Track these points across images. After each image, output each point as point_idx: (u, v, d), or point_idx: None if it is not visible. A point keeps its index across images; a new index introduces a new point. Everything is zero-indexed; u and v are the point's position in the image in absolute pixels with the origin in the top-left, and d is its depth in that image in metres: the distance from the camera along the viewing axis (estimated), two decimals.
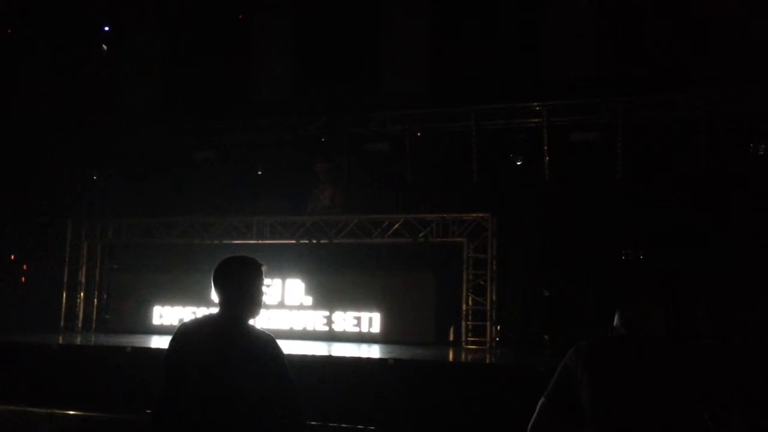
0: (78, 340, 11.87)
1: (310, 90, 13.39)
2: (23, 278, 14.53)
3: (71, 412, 6.41)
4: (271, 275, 12.69)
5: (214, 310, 3.16)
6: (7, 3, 13.40)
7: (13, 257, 14.55)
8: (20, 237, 13.93)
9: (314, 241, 12.95)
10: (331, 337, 12.42)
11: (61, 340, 11.33)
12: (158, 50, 14.05)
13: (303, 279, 12.83)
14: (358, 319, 12.51)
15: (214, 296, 3.14)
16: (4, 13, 13.61)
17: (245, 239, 13.08)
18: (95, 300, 14.12)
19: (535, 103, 12.23)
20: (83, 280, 14.00)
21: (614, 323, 3.03)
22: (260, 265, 3.14)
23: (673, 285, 10.56)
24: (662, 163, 11.37)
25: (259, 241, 13.00)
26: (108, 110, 13.60)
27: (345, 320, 12.57)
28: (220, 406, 2.84)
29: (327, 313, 12.66)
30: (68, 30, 13.75)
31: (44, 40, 13.75)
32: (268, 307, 12.76)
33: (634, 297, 3.12)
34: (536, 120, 12.29)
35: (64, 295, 13.85)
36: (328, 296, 12.72)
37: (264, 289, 3.16)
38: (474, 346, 11.77)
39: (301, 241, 13.00)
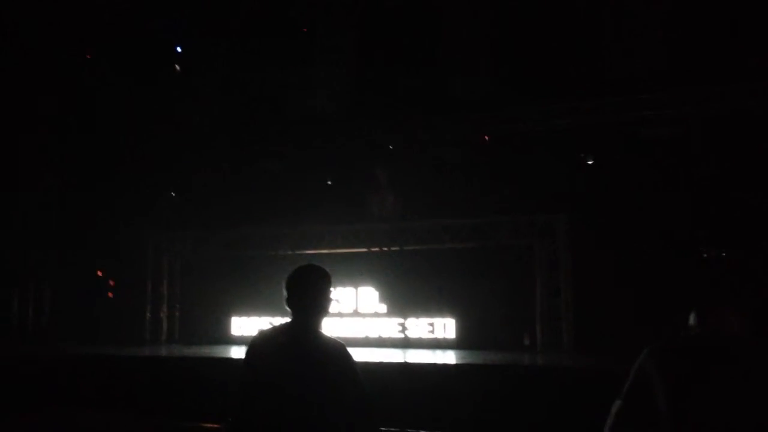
0: (162, 352, 12.29)
1: (374, 97, 13.47)
2: (110, 293, 15.14)
3: (156, 421, 6.66)
4: (345, 283, 12.84)
5: (289, 320, 3.23)
6: (84, 30, 14.01)
7: (100, 273, 15.19)
8: (105, 254, 14.52)
9: (385, 249, 13.01)
10: (407, 344, 12.45)
11: (146, 352, 11.74)
12: (222, 66, 14.40)
13: (376, 287, 12.92)
14: (432, 325, 12.50)
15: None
16: (83, 39, 14.25)
17: (318, 249, 13.26)
18: (177, 312, 14.59)
19: (604, 100, 11.96)
20: (165, 294, 14.49)
21: (689, 322, 2.95)
22: (329, 273, 3.20)
23: (756, 282, 10.12)
24: (740, 156, 10.93)
25: (332, 251, 13.16)
26: (181, 127, 14.03)
27: (419, 327, 12.59)
28: (295, 413, 2.90)
29: (401, 320, 12.70)
30: (142, 51, 14.27)
31: (120, 61, 14.31)
32: (342, 315, 12.90)
33: (712, 295, 3.02)
34: (606, 117, 12.02)
35: (148, 308, 14.36)
36: (401, 303, 12.76)
37: (332, 296, 3.21)
38: (551, 349, 11.59)
39: (373, 249, 13.08)
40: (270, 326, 3.23)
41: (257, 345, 3.14)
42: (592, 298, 11.97)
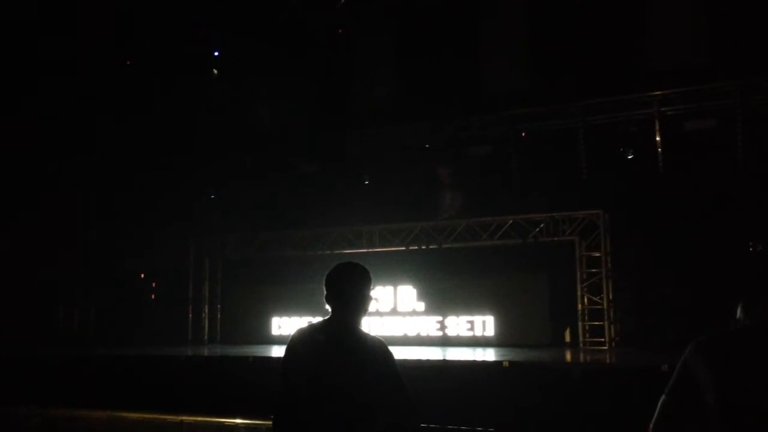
0: (205, 351, 12.45)
1: (411, 97, 13.46)
2: (153, 295, 15.41)
3: (200, 419, 6.75)
4: (383, 282, 12.85)
5: (327, 317, 3.23)
6: (126, 37, 14.27)
7: (143, 276, 15.47)
8: (148, 257, 14.79)
9: (423, 247, 12.99)
10: (445, 341, 12.41)
11: (189, 352, 11.92)
12: (267, 70, 14.54)
13: (414, 285, 12.91)
14: (472, 323, 12.44)
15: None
16: (123, 47, 14.52)
17: (356, 248, 13.30)
18: (218, 313, 14.79)
19: (645, 94, 11.76)
20: (207, 295, 14.69)
21: (737, 316, 2.88)
22: (369, 271, 3.19)
23: None
24: None
25: (370, 250, 13.18)
26: (221, 132, 14.20)
27: (458, 325, 12.54)
28: (335, 411, 2.90)
29: (440, 318, 12.67)
30: (182, 57, 14.50)
31: (160, 67, 14.55)
32: (381, 314, 12.92)
33: (759, 287, 2.94)
34: (647, 111, 11.82)
35: (190, 309, 14.57)
36: (440, 301, 12.72)
37: (372, 294, 3.20)
38: (593, 347, 11.44)
39: (411, 248, 13.07)
40: (308, 324, 3.22)
41: (296, 343, 3.14)
42: (633, 294, 11.80)
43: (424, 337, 12.67)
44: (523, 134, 12.79)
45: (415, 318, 12.86)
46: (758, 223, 10.96)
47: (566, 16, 12.16)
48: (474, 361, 9.60)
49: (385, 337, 3.27)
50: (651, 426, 2.81)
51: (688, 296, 10.75)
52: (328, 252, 13.47)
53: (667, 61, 11.63)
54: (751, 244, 11.02)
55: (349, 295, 3.11)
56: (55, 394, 8.97)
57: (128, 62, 15.02)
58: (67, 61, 13.82)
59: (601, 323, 11.55)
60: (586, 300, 11.73)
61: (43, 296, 14.56)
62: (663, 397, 2.80)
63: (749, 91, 11.08)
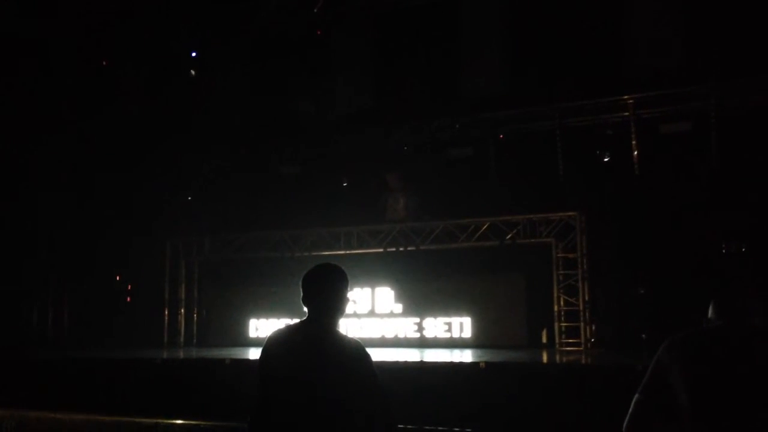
0: (180, 354, 12.35)
1: (390, 98, 13.47)
2: (128, 297, 15.25)
3: (176, 422, 6.70)
4: (361, 284, 12.85)
5: (304, 318, 3.22)
6: (100, 35, 14.13)
7: (118, 278, 15.30)
8: (123, 258, 14.63)
9: (401, 249, 13.01)
10: (423, 343, 12.43)
11: (165, 355, 11.82)
12: (244, 72, 14.47)
13: (392, 287, 12.92)
14: (449, 324, 12.48)
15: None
16: (99, 46, 14.38)
17: (334, 250, 13.28)
18: (195, 315, 14.67)
19: (622, 97, 11.87)
20: (183, 297, 14.57)
21: (709, 315, 2.92)
22: (346, 273, 3.19)
23: None
24: (763, 149, 10.78)
25: (348, 251, 13.16)
26: (198, 131, 14.10)
27: (436, 326, 12.57)
28: (311, 412, 2.89)
29: (417, 319, 12.69)
30: (158, 55, 14.39)
31: (136, 67, 14.43)
32: (359, 315, 12.92)
33: (732, 286, 2.98)
34: (623, 114, 11.93)
35: (166, 311, 14.45)
36: (418, 303, 12.75)
37: (349, 295, 3.20)
38: (569, 348, 11.53)
39: (389, 249, 13.08)
40: (285, 326, 3.22)
41: (273, 344, 3.13)
42: (609, 296, 11.91)
43: (401, 338, 12.69)
44: (501, 136, 12.84)
45: (392, 319, 12.86)
46: (731, 225, 11.11)
47: (545, 20, 12.22)
48: (451, 362, 9.64)
49: (363, 339, 3.26)
50: (625, 425, 2.83)
51: (664, 297, 10.87)
52: (306, 253, 13.43)
53: (644, 65, 11.73)
54: (724, 245, 11.16)
55: (325, 296, 3.11)
56: (28, 397, 8.85)
57: (104, 62, 14.88)
58: (36, 56, 13.66)
59: (577, 324, 11.65)
60: (562, 301, 11.82)
61: (16, 298, 14.34)
62: (636, 395, 2.83)
63: (724, 94, 11.22)
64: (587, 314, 11.60)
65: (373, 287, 12.96)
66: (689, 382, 2.65)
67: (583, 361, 10.09)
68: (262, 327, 13.63)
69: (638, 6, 11.88)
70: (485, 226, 12.41)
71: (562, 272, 11.88)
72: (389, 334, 12.78)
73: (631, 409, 2.83)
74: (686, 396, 2.65)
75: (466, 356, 10.57)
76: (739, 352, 2.68)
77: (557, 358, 10.48)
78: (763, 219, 10.74)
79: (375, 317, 12.94)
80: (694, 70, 11.28)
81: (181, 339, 14.40)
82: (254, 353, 11.52)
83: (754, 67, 10.97)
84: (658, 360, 2.80)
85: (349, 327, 12.75)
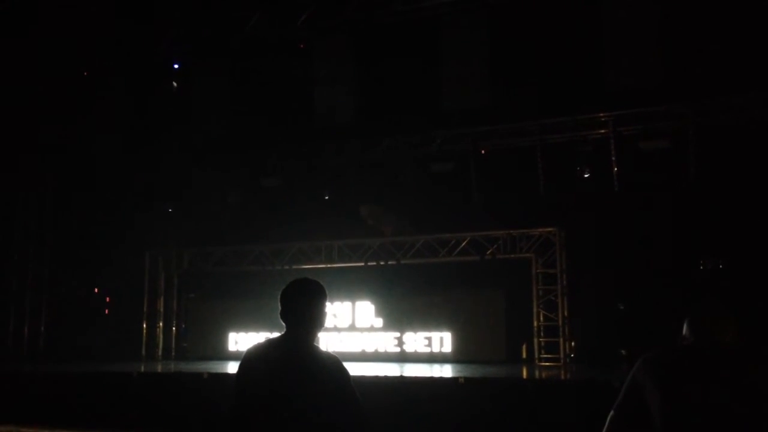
0: (158, 368, 12.23)
1: (372, 113, 13.49)
2: (106, 310, 15.09)
3: None
4: (341, 298, 12.82)
5: (282, 333, 3.21)
6: (84, 47, 14.04)
7: (96, 290, 15.14)
8: (102, 271, 14.48)
9: (382, 263, 13.01)
10: (403, 358, 12.41)
11: (142, 368, 11.70)
12: (224, 84, 14.44)
13: (373, 301, 12.90)
14: (429, 339, 12.47)
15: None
16: (81, 57, 14.29)
17: (314, 263, 13.25)
18: (174, 328, 14.55)
19: (601, 114, 12.00)
20: (162, 310, 14.45)
21: (683, 333, 2.94)
22: (323, 287, 3.19)
23: (753, 292, 10.11)
24: (739, 167, 10.92)
25: (329, 265, 13.15)
26: (179, 145, 14.03)
27: (416, 341, 12.56)
28: (288, 426, 2.88)
29: (398, 334, 12.67)
30: (140, 69, 14.33)
31: (117, 79, 14.36)
32: (339, 330, 12.87)
33: (705, 305, 3.01)
34: (603, 131, 12.06)
35: (145, 324, 14.31)
36: (398, 317, 12.74)
37: (326, 310, 3.20)
38: (548, 363, 11.57)
39: (370, 264, 13.07)
40: (265, 339, 3.21)
41: (251, 358, 3.11)
42: (589, 311, 11.97)
43: (381, 353, 12.66)
44: (483, 152, 12.90)
45: (372, 334, 12.84)
46: (709, 242, 11.24)
47: (526, 36, 12.33)
48: (431, 377, 9.62)
49: (343, 353, 3.26)
50: None
51: (642, 313, 10.95)
52: (287, 267, 13.40)
53: (623, 83, 11.87)
54: (702, 262, 11.28)
55: (303, 311, 3.11)
56: (2, 411, 8.72)
57: (85, 72, 14.80)
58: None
59: (557, 339, 11.69)
60: (542, 317, 11.87)
61: None
62: (611, 412, 2.85)
63: (702, 112, 11.38)
64: (566, 329, 11.65)
65: (353, 301, 12.94)
66: (661, 400, 2.68)
67: (562, 377, 10.12)
68: (242, 341, 13.55)
69: (618, 25, 12.02)
70: (465, 241, 12.45)
71: (541, 287, 11.93)
72: (369, 349, 12.75)
73: (606, 426, 2.85)
74: (659, 414, 2.67)
75: (446, 371, 10.55)
76: (709, 370, 2.70)
77: (536, 373, 10.50)
78: (740, 236, 10.87)
79: (355, 331, 12.90)
80: (673, 89, 11.42)
81: (160, 352, 14.26)
82: (233, 367, 11.41)
83: (731, 86, 11.14)
84: (632, 377, 2.83)
85: (329, 341, 12.70)
